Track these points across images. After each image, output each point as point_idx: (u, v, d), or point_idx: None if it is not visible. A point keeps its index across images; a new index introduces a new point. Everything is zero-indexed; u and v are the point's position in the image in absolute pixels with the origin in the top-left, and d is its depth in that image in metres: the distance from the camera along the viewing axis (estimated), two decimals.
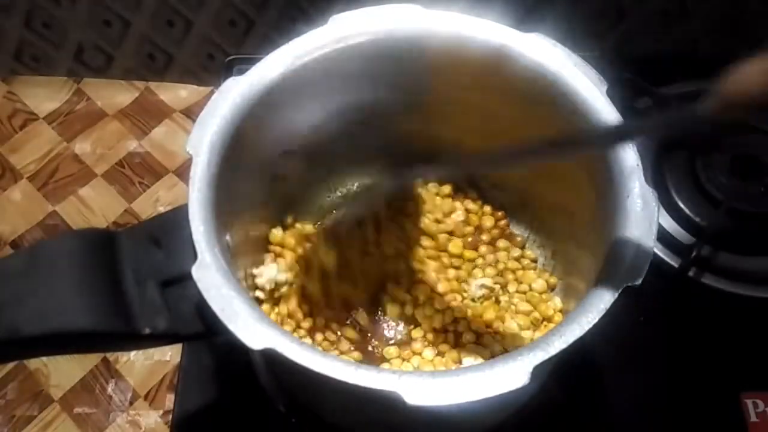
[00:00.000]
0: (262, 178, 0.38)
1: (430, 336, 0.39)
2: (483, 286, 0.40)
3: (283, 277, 0.38)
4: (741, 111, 0.19)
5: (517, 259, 0.42)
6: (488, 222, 0.43)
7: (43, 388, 0.62)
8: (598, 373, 0.43)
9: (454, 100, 0.39)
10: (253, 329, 0.26)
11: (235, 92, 0.32)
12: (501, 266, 0.42)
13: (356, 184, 0.44)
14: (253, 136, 0.34)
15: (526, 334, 0.38)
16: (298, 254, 0.39)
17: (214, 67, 0.74)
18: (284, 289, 0.38)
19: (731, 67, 0.19)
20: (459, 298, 0.40)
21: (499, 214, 0.44)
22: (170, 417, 0.42)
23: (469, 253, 0.42)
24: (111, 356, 0.64)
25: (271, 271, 0.37)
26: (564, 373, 0.36)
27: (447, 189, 0.44)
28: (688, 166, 0.49)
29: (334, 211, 0.42)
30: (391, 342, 0.39)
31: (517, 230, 0.44)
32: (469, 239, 0.42)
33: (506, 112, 0.37)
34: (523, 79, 0.35)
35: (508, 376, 0.26)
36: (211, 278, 0.27)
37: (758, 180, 0.48)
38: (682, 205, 0.48)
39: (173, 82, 0.78)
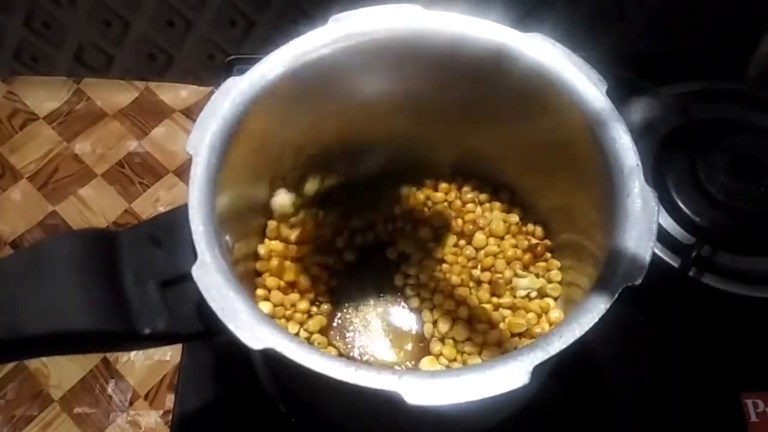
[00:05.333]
0: (262, 178, 0.38)
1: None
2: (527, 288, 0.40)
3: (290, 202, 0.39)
4: None
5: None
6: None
7: (43, 388, 0.63)
8: (598, 373, 0.43)
9: (454, 100, 0.39)
10: (253, 329, 0.26)
11: (235, 92, 0.32)
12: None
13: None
14: (253, 136, 0.34)
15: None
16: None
17: (214, 67, 0.74)
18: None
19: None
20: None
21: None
22: (170, 417, 0.42)
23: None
24: (111, 356, 0.64)
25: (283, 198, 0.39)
26: (564, 373, 0.36)
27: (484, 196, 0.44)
28: (688, 166, 0.49)
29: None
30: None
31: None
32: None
33: (506, 111, 0.37)
34: (523, 79, 0.35)
35: (508, 376, 0.26)
36: (211, 278, 0.27)
37: (758, 180, 0.48)
38: (682, 205, 0.48)
39: (173, 82, 0.78)
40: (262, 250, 0.40)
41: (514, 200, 0.43)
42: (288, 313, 0.39)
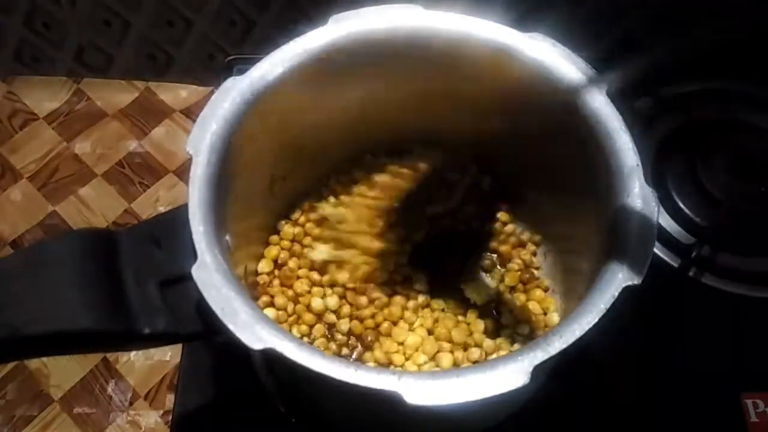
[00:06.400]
0: (262, 178, 0.38)
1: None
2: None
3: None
4: None
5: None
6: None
7: (43, 388, 0.63)
8: (598, 373, 0.43)
9: (454, 100, 0.39)
10: (253, 329, 0.26)
11: (235, 92, 0.32)
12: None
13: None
14: (253, 135, 0.34)
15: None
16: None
17: (214, 67, 0.74)
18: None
19: None
20: None
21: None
22: (170, 417, 0.42)
23: None
24: (111, 356, 0.64)
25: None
26: (564, 373, 0.36)
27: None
28: (688, 166, 0.49)
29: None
30: None
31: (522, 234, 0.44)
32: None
33: (506, 111, 0.37)
34: (523, 79, 0.35)
35: (508, 376, 0.26)
36: (211, 278, 0.27)
37: (758, 180, 0.48)
38: (682, 205, 0.48)
39: (173, 82, 0.78)
40: (266, 267, 0.40)
41: (505, 199, 0.44)
42: (291, 319, 0.39)
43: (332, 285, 0.40)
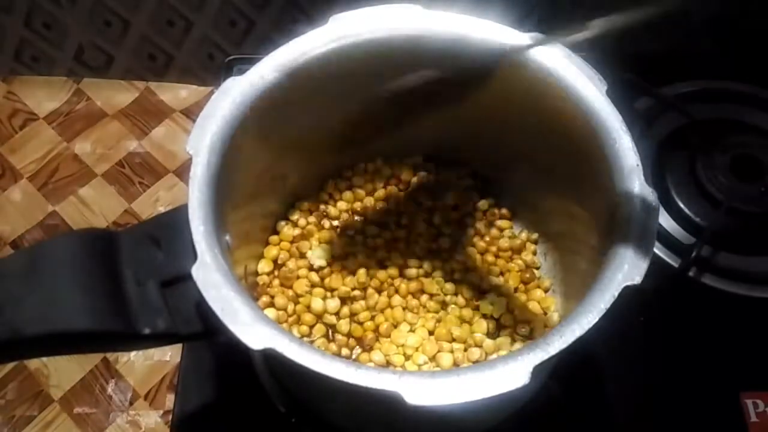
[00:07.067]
0: (262, 177, 0.38)
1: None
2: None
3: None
4: None
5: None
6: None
7: (43, 388, 0.63)
8: (598, 373, 0.43)
9: (454, 100, 0.39)
10: (253, 329, 0.26)
11: (235, 92, 0.32)
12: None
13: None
14: (253, 135, 0.34)
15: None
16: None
17: (214, 67, 0.74)
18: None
19: None
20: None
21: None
22: (170, 417, 0.42)
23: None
24: (111, 356, 0.64)
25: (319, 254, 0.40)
26: (564, 373, 0.36)
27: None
28: (688, 166, 0.49)
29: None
30: None
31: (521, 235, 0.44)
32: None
33: (506, 112, 0.37)
34: (523, 79, 0.35)
35: (508, 376, 0.26)
36: (211, 278, 0.27)
37: (758, 180, 0.48)
38: (682, 205, 0.48)
39: (173, 82, 0.78)
40: (266, 267, 0.40)
41: (506, 199, 0.44)
42: (291, 319, 0.39)
43: (333, 288, 0.40)
